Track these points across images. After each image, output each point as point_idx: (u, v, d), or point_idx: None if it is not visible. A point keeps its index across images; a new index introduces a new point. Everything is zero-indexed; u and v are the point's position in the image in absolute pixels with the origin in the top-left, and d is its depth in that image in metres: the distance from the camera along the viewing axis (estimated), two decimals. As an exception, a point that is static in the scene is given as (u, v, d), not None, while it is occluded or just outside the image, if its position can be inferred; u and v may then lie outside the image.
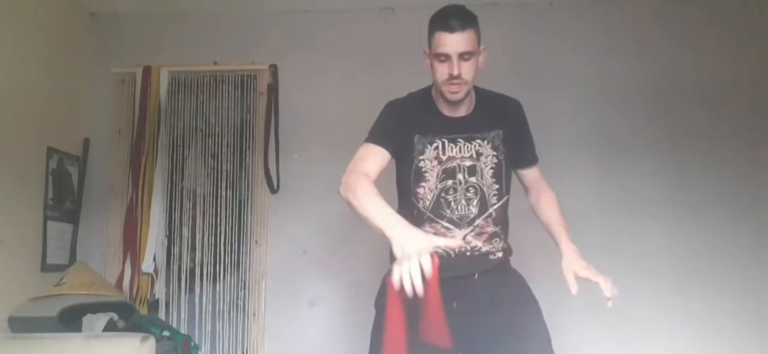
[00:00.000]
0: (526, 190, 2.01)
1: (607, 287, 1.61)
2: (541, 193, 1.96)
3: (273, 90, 3.27)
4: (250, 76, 3.33)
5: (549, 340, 1.76)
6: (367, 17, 3.30)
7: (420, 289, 1.36)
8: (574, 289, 1.64)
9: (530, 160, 1.97)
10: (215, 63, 3.32)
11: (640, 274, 2.95)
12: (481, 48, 1.80)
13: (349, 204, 1.66)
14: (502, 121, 1.87)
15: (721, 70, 3.12)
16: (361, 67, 3.23)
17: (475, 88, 1.90)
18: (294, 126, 3.25)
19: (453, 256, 1.73)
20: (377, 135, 1.81)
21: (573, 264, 1.68)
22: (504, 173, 1.84)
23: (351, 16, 3.30)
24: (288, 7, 3.30)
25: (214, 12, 3.33)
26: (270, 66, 3.29)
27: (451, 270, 1.75)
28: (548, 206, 1.92)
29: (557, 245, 1.79)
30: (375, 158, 1.76)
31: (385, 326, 1.55)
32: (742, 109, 3.09)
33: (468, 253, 1.77)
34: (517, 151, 1.90)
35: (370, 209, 1.58)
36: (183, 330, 3.11)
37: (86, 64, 3.29)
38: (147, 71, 3.27)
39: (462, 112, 1.86)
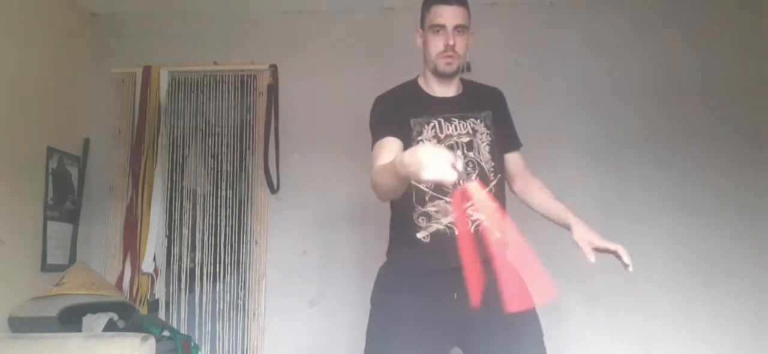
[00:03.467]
0: (511, 178, 2.00)
1: (624, 254, 1.66)
2: (528, 179, 1.98)
3: (273, 90, 3.27)
4: (250, 76, 3.33)
5: (541, 336, 1.77)
6: (367, 17, 3.31)
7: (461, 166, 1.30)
8: (591, 257, 1.68)
9: (515, 143, 1.99)
10: (215, 63, 3.32)
11: (642, 271, 2.92)
12: (471, 31, 1.86)
13: (376, 190, 1.67)
14: (488, 104, 1.91)
15: (722, 68, 3.13)
16: (362, 67, 3.23)
17: (460, 79, 1.93)
18: (294, 126, 3.25)
19: (457, 233, 1.73)
20: (378, 130, 1.82)
21: (588, 234, 1.71)
22: (497, 152, 1.86)
23: (351, 16, 3.30)
24: (288, 7, 3.30)
25: (214, 12, 3.33)
26: (270, 66, 3.29)
27: (452, 260, 1.75)
28: (540, 189, 1.94)
29: (564, 223, 1.80)
30: (387, 148, 1.76)
31: None
32: (743, 107, 3.09)
33: (472, 229, 1.76)
34: (503, 134, 1.92)
35: (383, 170, 1.58)
36: (183, 330, 3.12)
37: (86, 64, 3.29)
38: (147, 71, 3.27)
39: (451, 92, 1.90)
